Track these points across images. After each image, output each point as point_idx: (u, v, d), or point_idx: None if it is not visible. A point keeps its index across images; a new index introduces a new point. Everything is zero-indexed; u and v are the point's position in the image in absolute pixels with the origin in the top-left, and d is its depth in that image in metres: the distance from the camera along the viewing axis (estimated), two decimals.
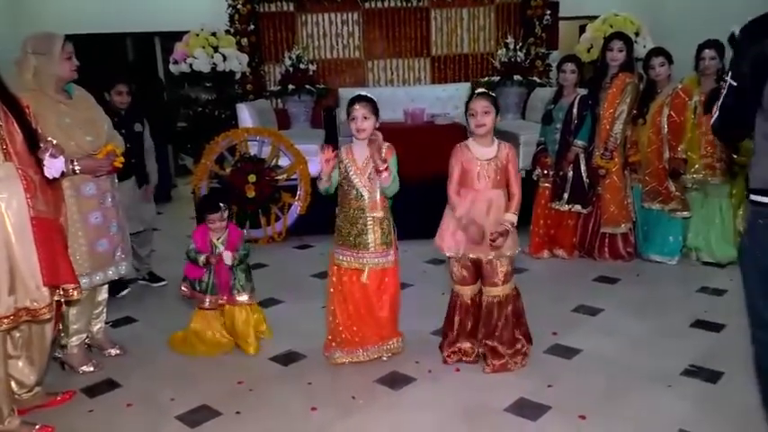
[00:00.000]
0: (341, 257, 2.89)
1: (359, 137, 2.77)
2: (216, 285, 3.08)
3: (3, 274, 2.21)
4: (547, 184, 4.40)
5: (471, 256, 2.79)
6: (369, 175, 2.79)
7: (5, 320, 2.23)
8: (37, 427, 2.43)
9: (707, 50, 4.02)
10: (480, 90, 2.84)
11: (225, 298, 3.09)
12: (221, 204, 3.06)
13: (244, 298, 3.10)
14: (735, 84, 1.94)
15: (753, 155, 1.94)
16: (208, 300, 3.09)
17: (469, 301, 2.91)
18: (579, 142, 4.17)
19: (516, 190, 2.78)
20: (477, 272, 2.85)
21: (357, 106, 2.74)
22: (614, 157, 4.19)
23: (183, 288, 3.15)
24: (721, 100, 2.01)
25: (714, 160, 4.05)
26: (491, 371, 2.80)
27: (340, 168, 2.83)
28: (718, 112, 2.03)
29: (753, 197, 1.91)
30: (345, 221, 2.85)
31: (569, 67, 4.26)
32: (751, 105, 1.90)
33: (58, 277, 2.33)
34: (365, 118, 2.74)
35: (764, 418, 2.15)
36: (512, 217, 2.76)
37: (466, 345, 2.92)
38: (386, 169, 2.71)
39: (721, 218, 4.16)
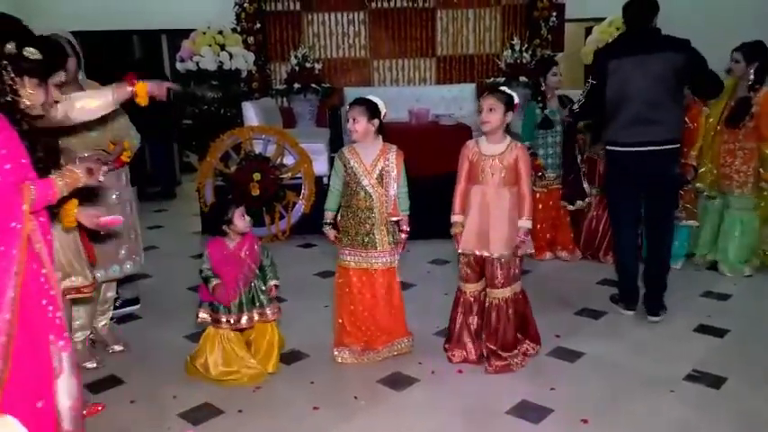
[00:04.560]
0: (348, 258, 2.90)
1: (352, 137, 2.86)
2: (246, 301, 2.73)
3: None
4: (542, 189, 4.37)
5: (477, 252, 2.81)
6: (377, 176, 2.81)
7: (93, 287, 2.36)
8: (89, 404, 2.53)
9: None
10: (497, 87, 2.87)
11: (256, 316, 2.77)
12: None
13: (274, 311, 2.82)
14: (594, 82, 3.37)
15: (603, 125, 3.44)
16: (246, 317, 2.74)
17: (472, 299, 2.92)
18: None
19: (527, 191, 2.79)
20: (482, 271, 2.87)
21: (349, 109, 2.84)
22: None
23: (201, 315, 2.75)
24: (585, 95, 3.46)
25: (732, 171, 3.98)
26: (493, 371, 2.80)
27: (346, 170, 2.85)
28: (581, 102, 3.51)
29: (606, 147, 3.43)
30: (353, 222, 2.87)
31: (559, 70, 4.35)
32: (599, 98, 3.32)
33: (92, 257, 2.46)
34: (354, 120, 2.80)
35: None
36: (526, 223, 2.79)
37: (469, 344, 2.93)
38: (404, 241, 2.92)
39: (741, 231, 4.04)
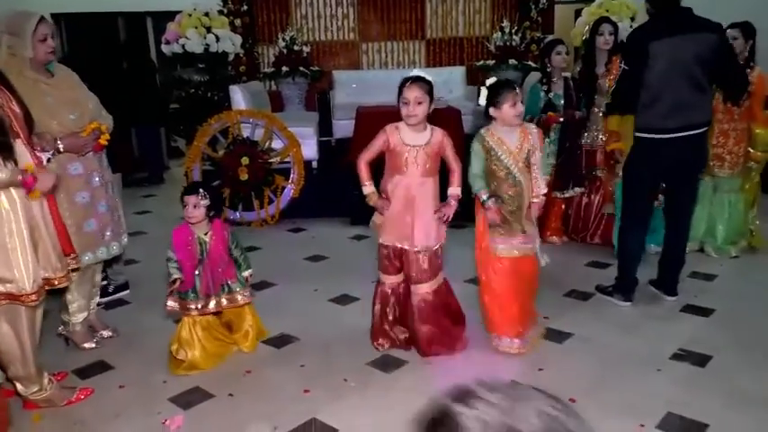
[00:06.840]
0: (503, 248, 2.80)
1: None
2: (210, 286, 2.77)
3: (30, 251, 2.24)
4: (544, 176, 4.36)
5: (398, 245, 2.75)
6: (524, 160, 2.71)
7: (33, 296, 2.25)
8: (78, 389, 2.55)
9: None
10: (415, 75, 2.72)
11: (225, 301, 2.82)
12: (201, 190, 2.74)
13: (244, 296, 2.87)
14: (627, 68, 3.11)
15: (637, 112, 3.17)
16: (213, 302, 2.79)
17: (389, 290, 2.86)
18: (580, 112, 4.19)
19: (456, 166, 2.75)
20: (401, 265, 2.79)
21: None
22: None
23: (169, 304, 2.69)
24: (617, 83, 3.23)
25: (725, 151, 3.97)
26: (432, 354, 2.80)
27: (490, 155, 2.72)
28: (613, 89, 3.27)
29: (636, 134, 3.20)
30: (511, 211, 2.76)
31: (564, 49, 4.20)
32: (636, 84, 3.09)
33: (68, 246, 2.43)
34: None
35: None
36: (456, 190, 2.74)
37: (391, 333, 2.89)
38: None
39: (729, 213, 4.07)
